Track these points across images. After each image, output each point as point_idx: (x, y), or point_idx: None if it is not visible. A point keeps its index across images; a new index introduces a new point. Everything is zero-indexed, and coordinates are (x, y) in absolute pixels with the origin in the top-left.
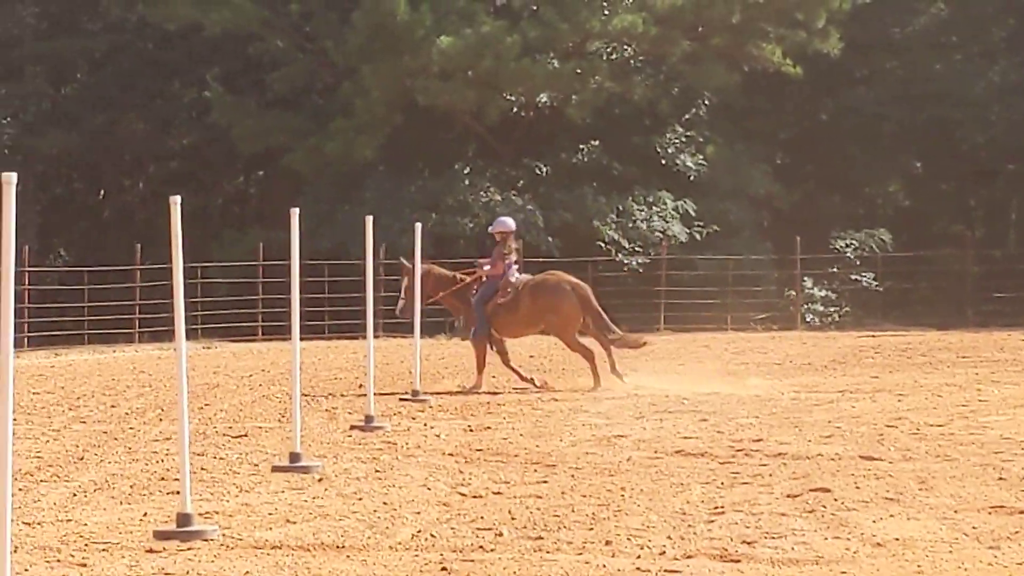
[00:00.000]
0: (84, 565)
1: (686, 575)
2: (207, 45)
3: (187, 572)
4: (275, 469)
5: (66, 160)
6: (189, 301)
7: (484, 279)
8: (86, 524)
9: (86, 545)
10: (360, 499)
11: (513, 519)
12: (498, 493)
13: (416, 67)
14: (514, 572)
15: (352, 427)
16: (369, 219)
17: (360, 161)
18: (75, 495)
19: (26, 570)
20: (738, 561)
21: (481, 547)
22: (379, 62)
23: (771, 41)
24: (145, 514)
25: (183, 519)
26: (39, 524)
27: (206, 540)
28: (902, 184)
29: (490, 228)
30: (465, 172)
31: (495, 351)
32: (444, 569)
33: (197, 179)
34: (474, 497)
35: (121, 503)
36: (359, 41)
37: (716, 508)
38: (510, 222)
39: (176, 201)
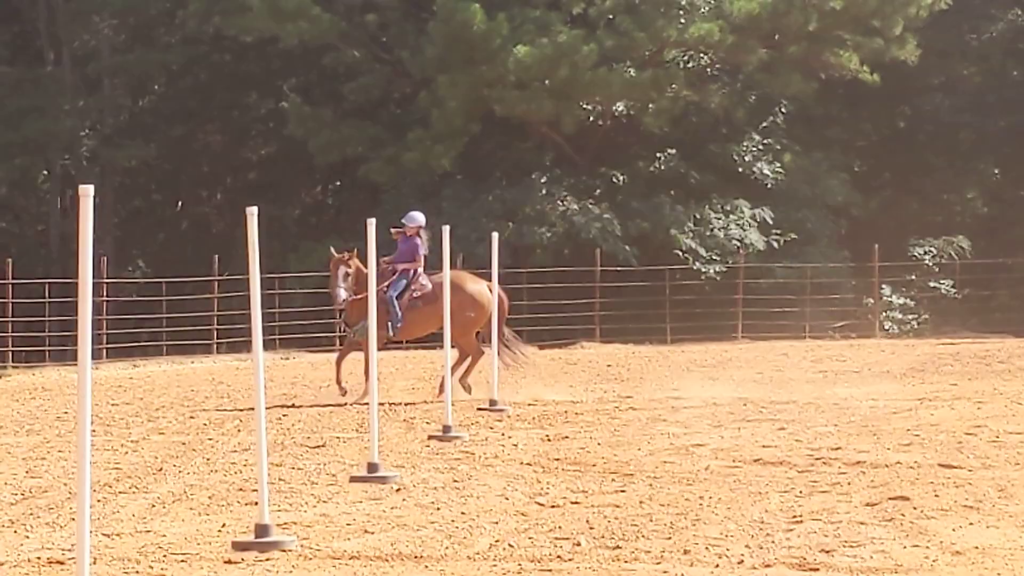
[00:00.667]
0: None
1: None
2: (283, 56)
3: None
4: (353, 479)
5: (144, 172)
6: (266, 312)
7: (395, 273)
8: (165, 535)
9: (165, 556)
10: (438, 509)
11: (591, 528)
12: (576, 503)
13: (493, 77)
14: None
15: (430, 437)
16: (446, 229)
17: (437, 171)
18: (154, 506)
19: None
20: (817, 570)
21: (559, 557)
22: (456, 72)
23: (848, 49)
24: (223, 525)
25: (261, 530)
26: (118, 535)
27: (284, 551)
28: (980, 191)
29: (402, 220)
30: (542, 181)
31: (344, 347)
32: None
33: (274, 190)
34: (552, 507)
35: (199, 514)
36: (436, 51)
37: (794, 517)
38: (421, 217)
39: (253, 212)
